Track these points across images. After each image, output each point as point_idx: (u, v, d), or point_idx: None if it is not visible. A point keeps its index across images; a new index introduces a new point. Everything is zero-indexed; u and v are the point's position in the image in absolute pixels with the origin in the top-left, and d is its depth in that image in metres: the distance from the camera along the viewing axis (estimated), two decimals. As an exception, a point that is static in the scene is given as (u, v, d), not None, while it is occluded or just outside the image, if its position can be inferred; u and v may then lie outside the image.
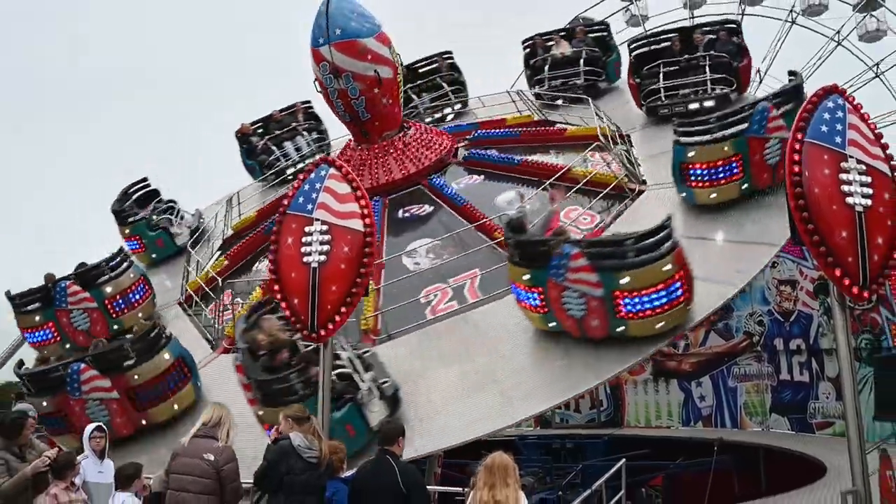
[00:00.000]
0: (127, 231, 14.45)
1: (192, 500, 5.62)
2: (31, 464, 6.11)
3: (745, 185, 9.58)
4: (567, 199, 11.15)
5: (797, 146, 6.15)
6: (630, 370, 13.13)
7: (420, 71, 16.80)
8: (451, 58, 17.12)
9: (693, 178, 9.73)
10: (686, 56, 13.09)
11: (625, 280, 7.86)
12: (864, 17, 30.58)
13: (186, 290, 12.87)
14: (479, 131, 14.60)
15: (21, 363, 10.89)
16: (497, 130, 14.63)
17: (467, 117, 16.37)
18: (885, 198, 6.04)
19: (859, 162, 6.05)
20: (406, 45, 14.28)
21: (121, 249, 12.84)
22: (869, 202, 5.95)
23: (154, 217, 14.56)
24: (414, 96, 15.88)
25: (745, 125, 9.33)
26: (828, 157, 6.06)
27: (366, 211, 7.51)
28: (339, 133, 16.70)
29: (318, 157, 14.66)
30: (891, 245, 6.01)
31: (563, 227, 9.53)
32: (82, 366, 9.46)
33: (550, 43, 15.69)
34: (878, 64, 31.59)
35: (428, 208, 12.45)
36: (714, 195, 9.71)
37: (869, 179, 6.02)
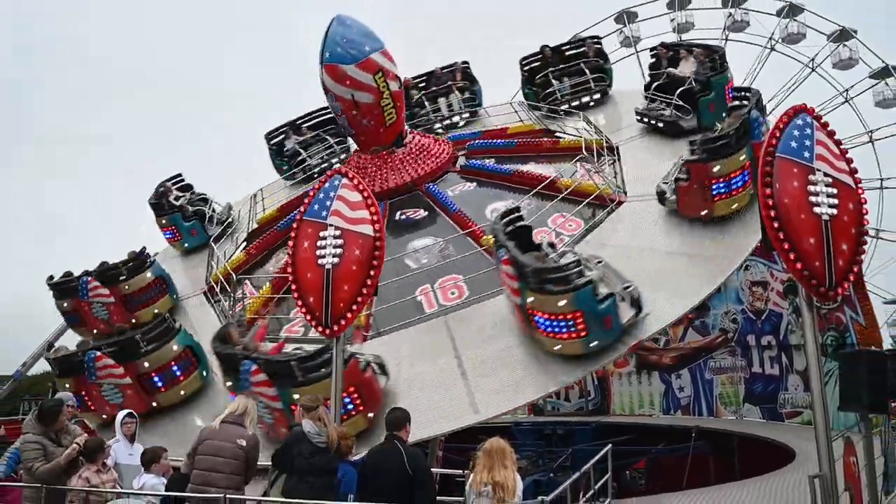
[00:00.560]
0: (163, 221, 14.42)
1: (224, 479, 5.71)
2: (65, 452, 6.12)
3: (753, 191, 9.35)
4: (552, 207, 11.14)
5: (768, 159, 6.13)
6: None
7: (566, 54, 15.59)
8: (600, 43, 16.06)
9: (715, 192, 9.40)
10: (668, 70, 12.80)
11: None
12: (838, 46, 30.62)
13: (209, 281, 12.84)
14: (477, 141, 14.37)
15: (51, 345, 10.91)
16: (495, 141, 14.31)
17: (475, 125, 15.98)
18: (850, 208, 6.00)
19: (826, 175, 6.02)
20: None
21: (143, 250, 12.66)
22: (835, 212, 5.92)
23: (189, 207, 14.55)
24: (555, 81, 14.77)
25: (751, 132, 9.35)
26: (797, 171, 6.02)
27: (375, 217, 7.51)
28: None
29: (340, 160, 14.93)
30: (855, 251, 5.98)
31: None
32: (97, 354, 9.45)
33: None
34: (847, 90, 31.66)
35: (423, 212, 12.32)
36: (735, 205, 9.42)
37: (835, 191, 5.98)
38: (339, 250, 7.34)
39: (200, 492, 5.68)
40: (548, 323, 7.91)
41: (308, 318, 7.46)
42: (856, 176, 6.18)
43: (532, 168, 12.79)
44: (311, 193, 7.89)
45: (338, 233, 7.42)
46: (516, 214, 9.23)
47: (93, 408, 9.77)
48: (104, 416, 9.62)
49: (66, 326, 14.08)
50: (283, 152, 16.26)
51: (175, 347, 9.76)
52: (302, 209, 7.81)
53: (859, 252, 6.04)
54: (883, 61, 30.66)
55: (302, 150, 15.92)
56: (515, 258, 8.06)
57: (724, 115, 11.02)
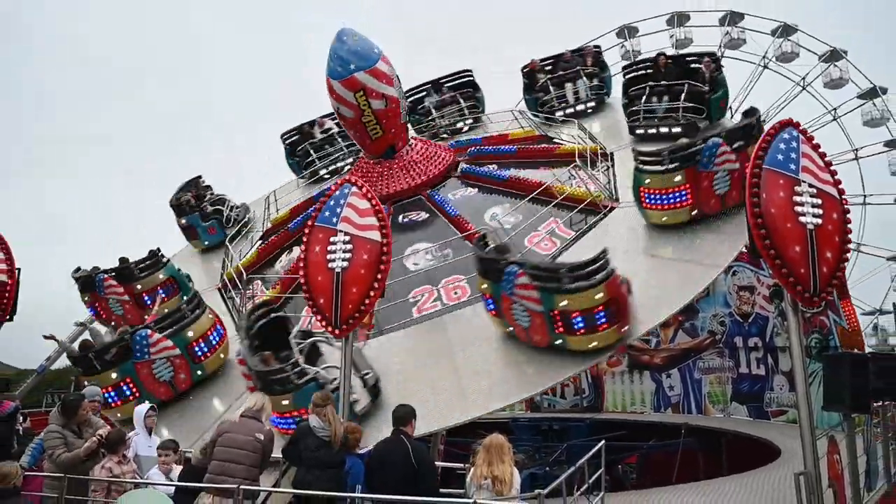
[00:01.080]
0: (183, 222, 14.57)
1: (242, 471, 5.73)
2: (85, 444, 6.13)
3: (695, 211, 9.42)
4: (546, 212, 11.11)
5: (756, 171, 6.12)
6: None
7: (567, 62, 15.22)
8: (600, 53, 15.78)
9: (648, 201, 9.60)
10: (665, 82, 12.62)
11: (563, 302, 7.69)
12: (829, 66, 30.51)
13: (223, 278, 12.94)
14: (479, 147, 14.26)
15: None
16: (497, 147, 14.20)
17: (479, 130, 15.80)
18: (834, 217, 5.99)
19: (811, 186, 6.01)
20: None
21: (157, 250, 12.54)
22: (819, 221, 5.91)
23: (208, 207, 14.64)
24: (552, 87, 14.55)
25: (696, 159, 9.14)
26: (783, 182, 6.02)
27: (383, 224, 7.51)
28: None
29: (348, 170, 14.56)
30: (838, 259, 5.97)
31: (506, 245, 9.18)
32: (149, 331, 9.28)
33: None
34: (835, 109, 31.58)
35: (424, 215, 12.28)
36: (665, 218, 9.54)
37: (819, 202, 5.97)
38: (348, 255, 7.35)
39: (218, 481, 5.68)
40: (583, 321, 7.73)
41: (318, 318, 7.47)
42: (840, 187, 6.16)
43: (532, 174, 12.69)
44: (323, 201, 7.91)
45: (347, 238, 7.43)
46: (264, 310, 9.21)
47: (104, 316, 11.57)
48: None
49: (82, 327, 14.16)
50: (297, 152, 16.24)
51: (210, 315, 10.06)
52: (314, 215, 7.83)
53: (843, 260, 6.02)
54: (871, 82, 30.66)
55: (312, 152, 15.94)
56: (246, 362, 7.98)
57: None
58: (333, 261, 7.35)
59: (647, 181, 9.45)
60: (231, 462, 5.72)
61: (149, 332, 9.23)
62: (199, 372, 9.65)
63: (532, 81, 15.15)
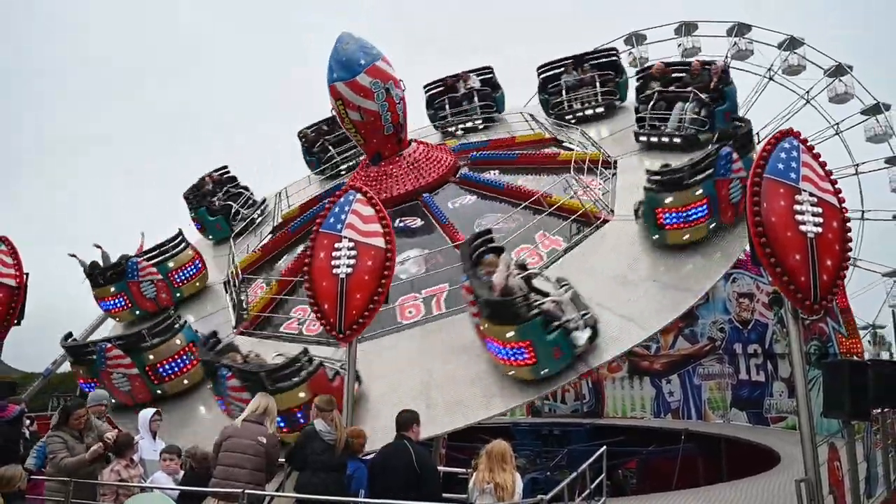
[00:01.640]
0: (192, 215, 15.18)
1: (247, 475, 5.69)
2: (91, 448, 6.09)
3: (713, 224, 9.22)
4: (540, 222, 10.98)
5: (757, 180, 6.13)
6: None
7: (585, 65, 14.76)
8: (616, 56, 15.16)
9: (668, 220, 9.21)
10: (673, 88, 12.16)
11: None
12: (833, 81, 30.44)
13: (228, 276, 13.10)
14: (478, 152, 14.12)
15: (69, 335, 11.16)
16: (498, 152, 14.01)
17: (491, 131, 15.60)
18: (834, 226, 5.98)
19: (811, 195, 6.00)
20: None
21: (179, 231, 13.57)
22: (819, 230, 5.89)
23: (217, 202, 15.02)
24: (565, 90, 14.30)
25: (713, 170, 8.98)
26: (784, 191, 6.01)
27: (387, 230, 7.52)
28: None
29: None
30: (838, 267, 5.96)
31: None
32: (108, 345, 9.96)
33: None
34: (838, 124, 31.50)
35: (420, 221, 12.25)
36: (686, 236, 9.25)
37: (819, 210, 5.96)
38: (352, 261, 7.36)
39: (223, 486, 5.66)
40: (499, 349, 7.86)
41: (323, 323, 7.47)
42: (840, 196, 6.16)
43: (533, 180, 12.62)
44: (328, 207, 7.93)
45: (351, 244, 7.44)
46: (487, 237, 9.22)
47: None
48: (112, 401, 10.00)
49: (96, 324, 14.32)
50: (313, 150, 16.31)
51: (178, 342, 10.19)
52: (318, 222, 7.84)
53: (843, 268, 6.01)
54: (875, 98, 30.61)
55: (331, 147, 15.97)
56: (473, 289, 7.99)
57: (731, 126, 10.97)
58: (338, 267, 7.36)
59: (669, 200, 9.10)
60: (235, 467, 5.70)
61: (138, 259, 12.07)
62: (177, 294, 12.66)
63: (546, 82, 14.91)
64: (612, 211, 10.76)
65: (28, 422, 7.23)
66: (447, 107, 15.77)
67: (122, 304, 12.49)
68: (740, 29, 31.22)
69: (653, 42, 32.40)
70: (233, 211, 14.98)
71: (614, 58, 14.98)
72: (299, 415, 7.87)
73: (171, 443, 7.09)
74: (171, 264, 12.87)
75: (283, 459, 6.28)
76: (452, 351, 9.03)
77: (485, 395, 8.22)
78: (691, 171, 9.07)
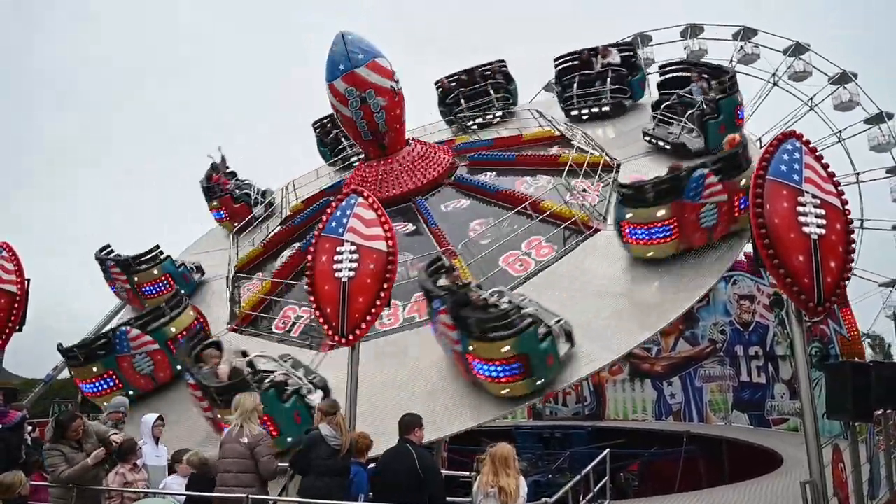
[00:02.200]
0: (214, 203, 14.98)
1: (233, 478, 5.62)
2: (92, 454, 6.01)
3: (683, 245, 8.98)
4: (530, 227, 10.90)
5: (759, 182, 6.12)
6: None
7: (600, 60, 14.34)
8: (633, 53, 14.61)
9: (630, 235, 9.10)
10: (677, 92, 11.94)
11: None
12: (838, 88, 30.35)
13: (230, 273, 13.20)
14: (478, 153, 13.99)
15: (61, 345, 10.93)
16: (495, 153, 13.86)
17: (504, 126, 15.32)
18: (837, 228, 5.98)
19: (814, 197, 6.01)
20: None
21: (156, 246, 13.18)
22: (823, 231, 5.89)
23: (236, 192, 15.04)
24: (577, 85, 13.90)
25: (681, 192, 8.60)
26: (787, 192, 6.01)
27: (389, 234, 7.49)
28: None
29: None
30: (842, 268, 5.95)
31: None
32: (129, 328, 10.09)
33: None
34: (840, 131, 31.43)
35: (411, 226, 12.20)
36: (651, 252, 9.11)
37: (823, 212, 5.96)
38: (354, 264, 7.32)
39: (223, 492, 5.62)
40: (489, 370, 7.77)
41: (325, 327, 7.44)
42: (843, 198, 6.15)
43: (530, 183, 12.50)
44: (329, 211, 7.91)
45: (353, 248, 7.41)
46: (439, 264, 9.21)
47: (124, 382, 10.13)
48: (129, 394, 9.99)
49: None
50: (327, 141, 16.37)
51: (191, 313, 10.79)
52: (320, 226, 7.82)
53: (846, 269, 5.99)
54: (878, 108, 30.47)
55: (343, 139, 15.99)
56: (455, 310, 7.85)
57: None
58: (340, 270, 7.33)
59: (629, 215, 8.99)
60: (225, 472, 5.66)
61: (128, 328, 10.10)
62: (177, 367, 10.11)
63: (562, 74, 14.56)
64: (605, 219, 10.55)
65: (29, 428, 7.16)
66: (462, 101, 15.63)
67: (112, 384, 10.23)
68: (746, 33, 31.09)
69: (658, 44, 32.23)
70: (252, 199, 15.17)
71: (630, 54, 14.53)
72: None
73: (166, 445, 7.07)
74: (172, 329, 10.53)
75: (287, 464, 6.25)
76: (418, 364, 9.01)
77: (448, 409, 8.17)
78: (654, 189, 8.81)
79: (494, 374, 7.78)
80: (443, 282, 8.78)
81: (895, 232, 31.03)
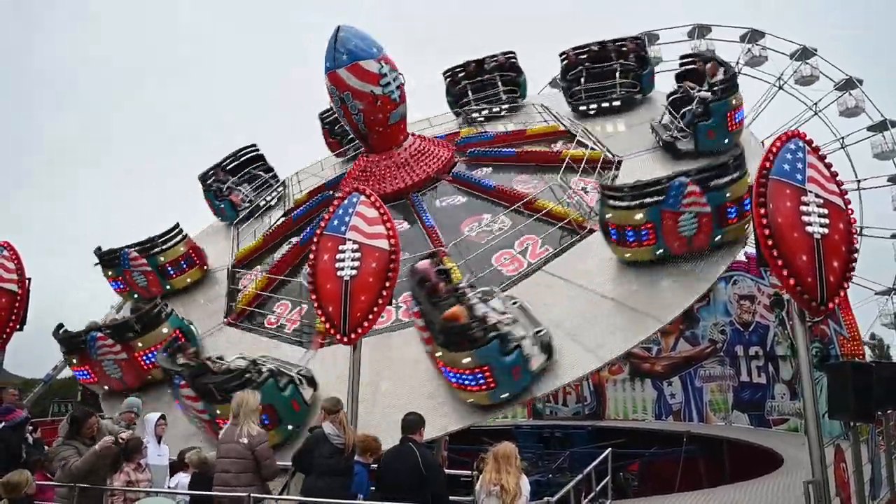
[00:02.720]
0: (182, 249, 14.12)
1: (233, 479, 5.60)
2: (100, 442, 5.99)
3: (660, 251, 8.87)
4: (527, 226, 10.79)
5: (763, 181, 6.12)
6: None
7: (607, 53, 14.11)
8: (642, 46, 14.17)
9: (612, 235, 9.13)
10: (686, 84, 11.64)
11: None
12: (843, 94, 30.24)
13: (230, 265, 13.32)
14: (477, 149, 13.86)
15: (60, 325, 11.05)
16: (495, 149, 13.68)
17: (510, 119, 15.18)
18: (840, 227, 5.97)
19: (817, 196, 6.00)
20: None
21: (176, 224, 13.36)
22: (826, 231, 5.88)
23: (222, 187, 15.02)
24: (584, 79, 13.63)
25: (661, 197, 8.54)
26: (790, 192, 6.00)
27: (391, 232, 7.48)
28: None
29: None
30: (845, 268, 5.94)
31: None
32: (99, 335, 10.20)
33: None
34: (843, 138, 31.33)
35: (406, 224, 12.10)
36: (628, 255, 9.13)
37: (826, 211, 5.95)
38: (356, 263, 7.31)
39: (222, 492, 5.60)
40: (455, 377, 7.80)
41: (328, 325, 7.43)
42: (846, 198, 6.15)
43: (529, 180, 12.41)
44: (331, 210, 7.90)
45: (356, 246, 7.40)
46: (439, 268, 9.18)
47: (97, 379, 10.56)
48: (105, 388, 10.61)
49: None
50: (336, 130, 16.18)
51: (165, 330, 10.39)
52: (322, 224, 7.81)
53: (849, 269, 5.99)
54: (882, 115, 30.37)
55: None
56: (425, 315, 7.89)
57: (725, 140, 10.66)
58: (342, 269, 7.32)
59: (609, 215, 9.02)
60: (224, 472, 5.65)
61: (98, 335, 10.24)
62: (149, 377, 10.34)
63: (568, 68, 14.35)
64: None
65: (31, 428, 7.15)
66: (469, 93, 15.52)
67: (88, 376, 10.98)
68: (753, 35, 30.98)
69: (665, 43, 31.98)
70: (240, 196, 15.14)
71: (640, 48, 14.26)
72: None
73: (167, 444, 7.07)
74: (161, 258, 12.72)
75: (289, 463, 6.24)
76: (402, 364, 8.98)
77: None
78: (632, 192, 8.80)
79: (459, 381, 7.79)
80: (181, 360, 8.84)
81: (894, 241, 30.93)
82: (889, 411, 9.21)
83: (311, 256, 7.70)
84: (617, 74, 13.54)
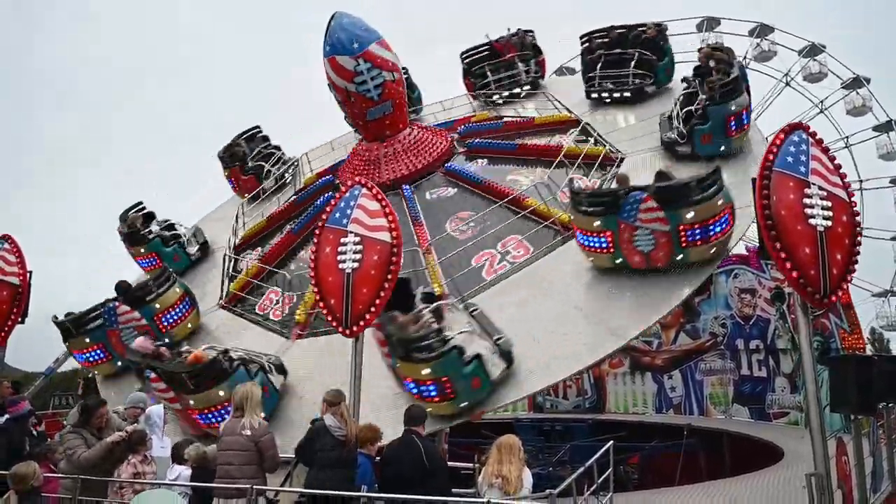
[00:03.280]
0: (142, 250, 13.36)
1: (236, 471, 5.61)
2: (106, 439, 6.07)
3: (619, 260, 8.73)
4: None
5: (766, 173, 6.11)
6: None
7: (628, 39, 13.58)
8: (660, 32, 13.47)
9: (578, 238, 9.14)
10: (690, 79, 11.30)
11: None
12: (850, 93, 29.98)
13: (232, 245, 13.47)
14: (477, 140, 13.69)
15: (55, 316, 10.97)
16: (497, 141, 13.47)
17: (521, 103, 14.96)
18: (843, 219, 5.97)
19: (821, 189, 5.99)
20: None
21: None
22: (829, 223, 5.88)
23: (164, 234, 13.58)
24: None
25: (617, 208, 8.37)
26: (793, 184, 5.99)
27: (393, 225, 7.47)
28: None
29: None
30: (848, 260, 5.94)
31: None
32: (116, 304, 10.46)
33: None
34: (848, 137, 31.03)
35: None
36: (592, 259, 9.10)
37: (829, 204, 5.94)
38: (358, 255, 7.30)
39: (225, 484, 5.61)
40: (417, 388, 7.77)
41: (329, 318, 7.44)
42: (849, 190, 6.14)
43: (525, 173, 12.31)
44: (333, 202, 7.89)
45: (357, 239, 7.40)
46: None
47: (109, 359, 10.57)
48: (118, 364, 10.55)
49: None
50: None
51: (177, 290, 11.11)
52: (324, 217, 7.80)
53: (853, 261, 5.99)
54: (888, 115, 30.07)
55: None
56: (384, 327, 7.82)
57: (722, 147, 10.28)
58: (344, 262, 7.31)
59: (573, 217, 9.03)
60: (227, 465, 5.66)
61: (116, 303, 10.47)
62: (166, 339, 10.39)
63: (586, 52, 13.86)
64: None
65: (35, 421, 7.19)
66: (489, 74, 15.33)
67: (102, 355, 10.73)
68: (762, 30, 30.60)
69: (674, 34, 31.70)
70: (264, 171, 15.15)
71: (660, 35, 13.52)
72: (222, 411, 8.02)
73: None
74: (157, 306, 10.88)
75: (291, 455, 6.26)
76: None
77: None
78: (590, 199, 8.74)
79: (418, 392, 7.75)
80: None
81: (894, 243, 30.85)
82: (890, 404, 9.23)
83: (313, 249, 7.70)
84: (632, 63, 12.98)
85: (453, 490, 6.28)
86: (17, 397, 7.29)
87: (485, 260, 10.46)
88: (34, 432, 7.04)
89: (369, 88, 12.29)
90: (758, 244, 6.67)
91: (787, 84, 31.30)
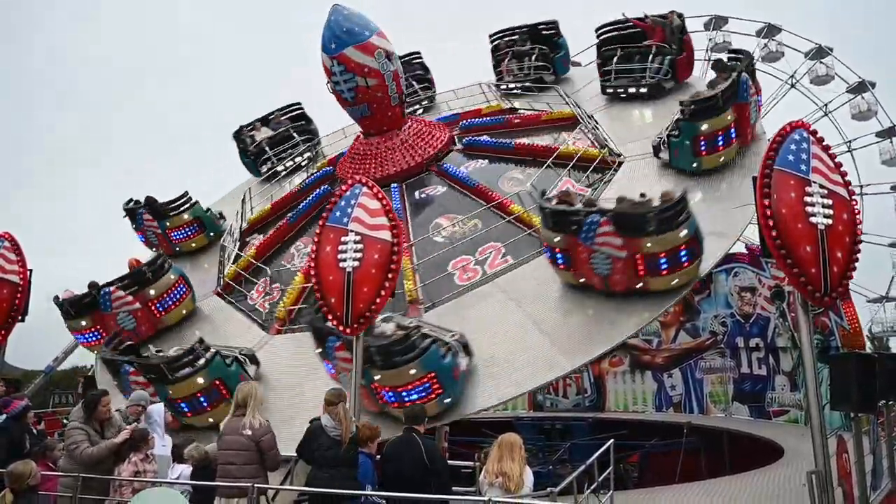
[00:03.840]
0: (186, 217, 13.76)
1: (237, 470, 5.62)
2: (114, 439, 6.08)
3: (582, 280, 8.78)
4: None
5: (767, 172, 6.11)
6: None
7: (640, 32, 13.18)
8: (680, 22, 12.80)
9: (545, 251, 9.21)
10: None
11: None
12: (855, 97, 29.88)
13: (235, 231, 13.72)
14: (472, 138, 13.62)
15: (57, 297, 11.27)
16: (493, 140, 13.34)
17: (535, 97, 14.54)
18: (844, 218, 5.99)
19: (821, 187, 6.01)
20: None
21: (185, 193, 13.82)
22: (830, 221, 5.90)
23: (252, 146, 15.39)
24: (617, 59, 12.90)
25: (575, 228, 8.36)
26: (794, 183, 6.01)
27: (393, 224, 7.51)
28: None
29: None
30: (849, 258, 5.95)
31: None
32: (111, 288, 10.73)
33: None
34: (850, 142, 30.99)
35: None
36: (558, 273, 9.14)
37: (830, 202, 5.97)
38: (359, 254, 7.34)
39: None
40: (401, 395, 7.75)
41: (329, 317, 7.44)
42: (850, 189, 6.15)
43: (519, 174, 12.22)
44: (333, 201, 7.90)
45: (358, 238, 7.43)
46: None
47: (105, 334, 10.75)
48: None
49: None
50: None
51: (172, 276, 11.35)
52: (324, 216, 7.81)
53: (853, 259, 6.00)
54: (892, 121, 29.97)
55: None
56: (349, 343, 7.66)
57: (693, 164, 9.96)
58: (344, 260, 7.33)
59: (542, 231, 9.09)
60: (228, 464, 5.67)
61: (111, 288, 10.72)
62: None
63: (602, 44, 13.43)
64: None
65: (35, 419, 7.19)
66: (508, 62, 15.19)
67: (98, 336, 11.09)
68: (770, 30, 30.46)
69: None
70: (264, 157, 15.44)
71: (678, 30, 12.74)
72: (202, 399, 8.53)
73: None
74: (151, 292, 11.07)
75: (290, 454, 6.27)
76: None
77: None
78: (551, 214, 8.78)
79: (408, 398, 7.71)
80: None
81: (892, 249, 30.77)
82: (890, 402, 9.25)
83: (313, 247, 7.71)
84: (650, 57, 12.41)
85: (454, 488, 6.28)
86: (13, 396, 7.27)
87: (461, 266, 10.43)
88: (34, 430, 7.03)
89: (343, 90, 12.44)
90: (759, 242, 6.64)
91: (792, 86, 31.19)
